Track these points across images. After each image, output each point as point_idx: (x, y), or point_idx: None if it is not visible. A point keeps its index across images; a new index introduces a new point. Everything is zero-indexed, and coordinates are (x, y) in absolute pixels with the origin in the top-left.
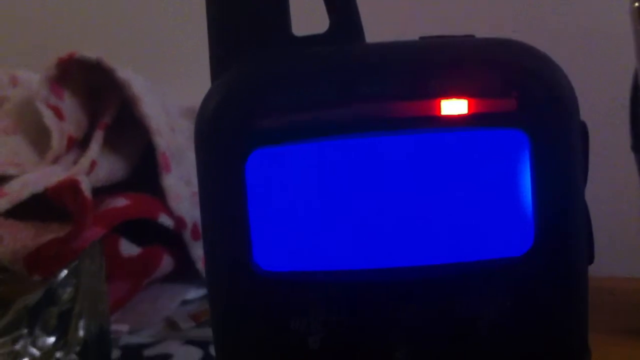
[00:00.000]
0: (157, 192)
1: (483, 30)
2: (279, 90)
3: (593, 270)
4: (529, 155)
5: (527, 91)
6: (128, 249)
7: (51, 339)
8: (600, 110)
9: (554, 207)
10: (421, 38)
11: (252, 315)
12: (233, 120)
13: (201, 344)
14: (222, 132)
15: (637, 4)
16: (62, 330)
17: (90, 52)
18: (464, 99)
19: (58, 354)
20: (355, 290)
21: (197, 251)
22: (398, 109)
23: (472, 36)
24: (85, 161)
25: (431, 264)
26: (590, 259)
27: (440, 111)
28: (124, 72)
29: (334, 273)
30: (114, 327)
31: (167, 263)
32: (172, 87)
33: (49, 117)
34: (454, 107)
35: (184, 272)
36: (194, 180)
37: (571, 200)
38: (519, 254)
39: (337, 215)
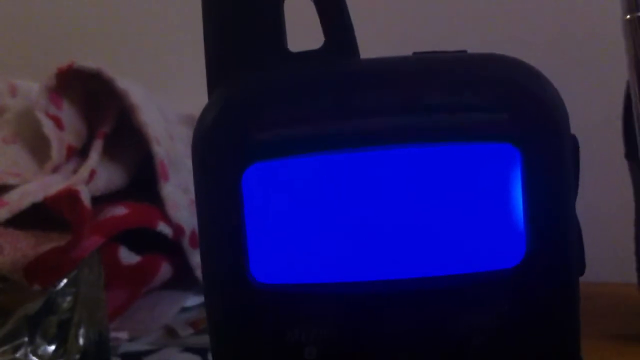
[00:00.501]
0: (155, 200)
1: (475, 43)
2: (276, 105)
3: (587, 276)
4: (520, 168)
5: (518, 106)
6: (127, 257)
7: (51, 347)
8: (594, 118)
9: (545, 220)
10: (414, 53)
11: (249, 326)
12: (230, 134)
13: (200, 351)
14: (220, 146)
15: (628, 17)
16: (62, 338)
17: (89, 61)
18: (456, 113)
19: None
20: (350, 303)
21: (196, 258)
22: (391, 123)
23: (465, 51)
24: (84, 170)
25: (425, 276)
26: (582, 270)
27: (432, 125)
28: (123, 82)
29: (329, 285)
30: (113, 334)
31: (165, 271)
32: (171, 94)
33: (48, 127)
34: (446, 121)
35: (182, 279)
36: (192, 188)
37: (562, 212)
38: (511, 266)
39: (332, 228)
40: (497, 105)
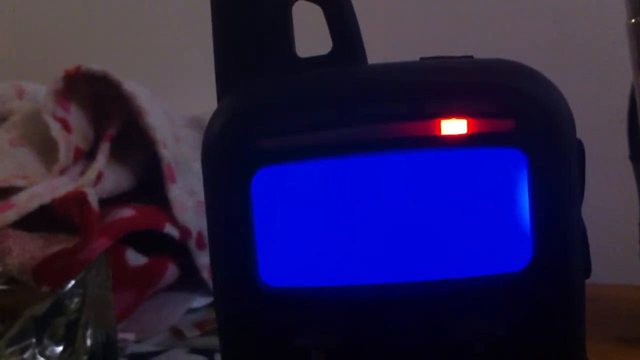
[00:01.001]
0: (162, 202)
1: (479, 45)
2: (283, 111)
3: (592, 279)
4: (527, 173)
5: (525, 111)
6: (134, 258)
7: (59, 348)
8: (598, 120)
9: (551, 223)
10: (421, 59)
11: (257, 329)
12: (238, 141)
13: (206, 353)
14: (228, 152)
15: (633, 20)
16: (70, 339)
17: (96, 64)
18: (464, 119)
19: None
20: (357, 306)
21: (202, 260)
22: (399, 129)
23: (471, 57)
24: (91, 173)
25: (432, 280)
26: (587, 273)
27: (440, 131)
28: (130, 85)
29: (337, 288)
30: (121, 336)
31: (172, 272)
32: (177, 97)
33: (56, 129)
34: (453, 127)
35: (189, 281)
36: (198, 190)
37: (568, 216)
38: (517, 269)
39: (339, 232)
40: (503, 111)
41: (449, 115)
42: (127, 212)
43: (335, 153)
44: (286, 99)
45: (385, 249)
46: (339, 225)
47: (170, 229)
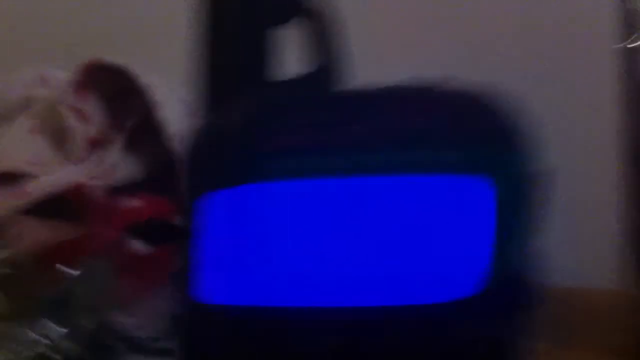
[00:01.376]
0: (174, 193)
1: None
2: (244, 136)
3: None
4: (487, 203)
5: (487, 142)
6: (140, 247)
7: (62, 331)
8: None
9: (505, 252)
10: (386, 87)
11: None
12: (205, 161)
13: None
14: (196, 169)
15: None
16: (73, 323)
17: (114, 57)
18: (428, 147)
19: (67, 344)
20: (308, 328)
21: None
22: (364, 157)
23: (443, 85)
24: (105, 163)
25: (388, 305)
26: (540, 301)
27: (402, 159)
28: (149, 78)
29: (287, 309)
30: (121, 321)
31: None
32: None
33: (72, 119)
34: (416, 156)
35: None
36: None
37: (522, 246)
38: (472, 295)
39: (296, 254)
40: (467, 141)
41: (413, 143)
42: (136, 203)
43: (300, 175)
44: (259, 124)
45: (344, 272)
46: (296, 247)
47: (179, 220)
